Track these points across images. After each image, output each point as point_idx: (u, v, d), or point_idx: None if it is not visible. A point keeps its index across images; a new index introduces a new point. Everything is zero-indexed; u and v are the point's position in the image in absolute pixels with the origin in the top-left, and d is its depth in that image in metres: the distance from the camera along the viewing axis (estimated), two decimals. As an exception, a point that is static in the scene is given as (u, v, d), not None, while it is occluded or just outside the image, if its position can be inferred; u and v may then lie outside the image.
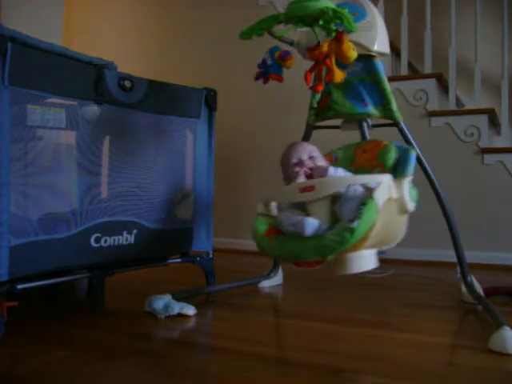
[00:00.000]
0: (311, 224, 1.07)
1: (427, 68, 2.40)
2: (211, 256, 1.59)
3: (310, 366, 0.93)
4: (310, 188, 1.10)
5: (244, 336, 1.13)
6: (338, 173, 1.21)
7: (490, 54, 2.49)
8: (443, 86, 2.45)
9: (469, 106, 2.53)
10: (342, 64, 1.12)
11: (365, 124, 1.50)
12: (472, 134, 2.26)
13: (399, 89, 2.37)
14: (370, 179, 1.10)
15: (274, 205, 1.20)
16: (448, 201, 1.46)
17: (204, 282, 1.59)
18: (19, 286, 1.10)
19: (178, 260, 1.53)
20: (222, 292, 1.56)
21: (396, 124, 1.44)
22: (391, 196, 1.09)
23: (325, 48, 1.11)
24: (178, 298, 1.32)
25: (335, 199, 1.09)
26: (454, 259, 1.45)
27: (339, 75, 1.11)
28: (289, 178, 1.26)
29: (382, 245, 1.17)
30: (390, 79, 1.63)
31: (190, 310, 1.27)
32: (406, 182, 1.15)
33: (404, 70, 2.45)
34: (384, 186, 1.07)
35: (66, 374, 0.89)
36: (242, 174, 2.73)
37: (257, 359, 0.97)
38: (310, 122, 1.56)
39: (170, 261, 1.51)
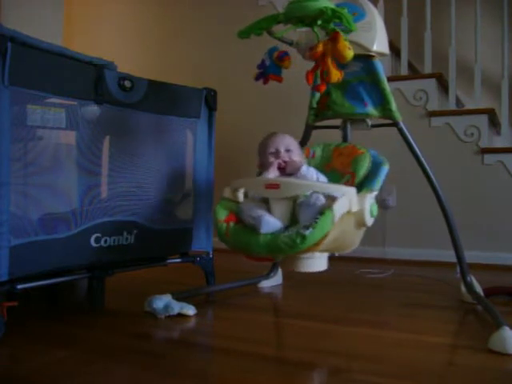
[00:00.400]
0: (268, 223, 1.10)
1: (427, 68, 2.40)
2: (211, 256, 1.59)
3: (310, 366, 0.93)
4: (275, 186, 1.12)
5: (244, 336, 1.13)
6: (309, 172, 1.23)
7: (490, 54, 2.49)
8: (443, 86, 2.45)
9: (469, 106, 2.53)
10: (341, 64, 1.12)
11: (348, 125, 1.50)
12: (472, 134, 2.25)
13: (399, 89, 2.37)
14: (334, 189, 1.12)
15: (241, 191, 1.22)
16: (448, 201, 1.46)
17: (204, 282, 1.59)
18: (19, 286, 1.10)
19: (178, 260, 1.53)
20: (222, 292, 1.56)
21: (395, 124, 1.44)
22: (350, 209, 1.10)
23: (320, 48, 1.12)
24: (178, 297, 1.32)
25: (296, 200, 1.11)
26: (454, 259, 1.45)
27: (335, 75, 1.11)
28: (262, 165, 1.30)
29: (335, 251, 1.21)
30: (390, 79, 1.64)
31: (190, 310, 1.27)
32: (370, 197, 1.17)
33: (404, 70, 2.45)
34: (345, 198, 1.09)
35: (65, 374, 0.89)
36: (242, 174, 2.73)
37: (257, 359, 0.97)
38: (309, 121, 1.56)
39: (169, 261, 1.51)
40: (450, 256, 1.56)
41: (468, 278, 1.43)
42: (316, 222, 1.02)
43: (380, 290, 1.66)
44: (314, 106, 1.53)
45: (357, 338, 1.12)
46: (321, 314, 1.32)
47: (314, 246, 1.04)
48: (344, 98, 1.45)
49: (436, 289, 1.67)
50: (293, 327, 1.23)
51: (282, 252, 1.05)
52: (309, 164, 1.37)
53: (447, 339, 1.11)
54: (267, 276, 1.68)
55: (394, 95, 1.45)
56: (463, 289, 1.45)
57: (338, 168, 1.33)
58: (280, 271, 1.73)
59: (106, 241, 1.27)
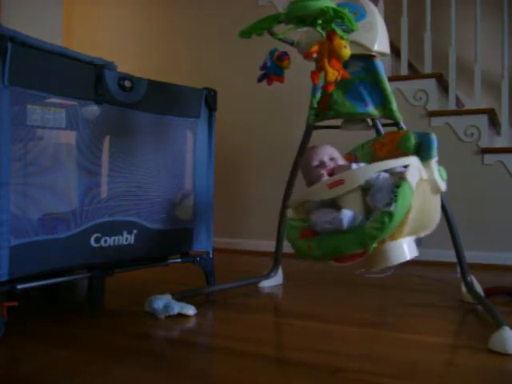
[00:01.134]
0: (348, 216, 1.05)
1: (427, 68, 2.40)
2: (211, 256, 1.59)
3: (310, 366, 0.93)
4: (340, 182, 1.08)
5: (244, 336, 1.13)
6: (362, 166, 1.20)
7: (490, 54, 2.49)
8: (443, 86, 2.45)
9: (469, 106, 2.53)
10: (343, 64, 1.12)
11: (378, 121, 1.49)
12: (472, 134, 2.26)
13: (399, 89, 2.37)
14: (396, 163, 1.10)
15: (302, 209, 1.19)
16: (448, 201, 1.46)
17: (204, 282, 1.59)
18: (19, 286, 1.10)
19: (178, 260, 1.53)
20: (222, 292, 1.56)
21: (396, 124, 1.44)
22: (422, 177, 1.08)
23: (314, 48, 1.12)
24: (178, 298, 1.32)
25: (365, 190, 1.08)
26: (454, 259, 1.45)
27: (333, 74, 1.10)
28: (311, 181, 1.25)
29: (420, 230, 1.15)
30: (390, 79, 1.63)
31: (190, 310, 1.27)
32: (434, 162, 1.15)
33: (404, 70, 2.45)
34: (414, 167, 1.07)
35: (65, 374, 0.89)
36: (242, 174, 2.74)
37: (257, 359, 0.97)
38: (310, 121, 1.56)
39: (170, 261, 1.51)
40: (450, 256, 1.56)
41: (468, 278, 1.43)
42: (396, 196, 0.99)
43: (380, 290, 1.66)
44: (315, 105, 1.53)
45: (357, 337, 1.12)
46: (321, 314, 1.32)
47: (401, 226, 1.00)
48: (345, 97, 1.45)
49: (436, 289, 1.67)
50: (293, 327, 1.23)
51: (373, 239, 1.00)
52: None
53: (447, 339, 1.11)
54: (267, 276, 1.68)
55: (394, 95, 1.45)
56: (463, 289, 1.45)
57: (385, 157, 1.27)
58: (280, 271, 1.73)
59: (105, 241, 1.27)
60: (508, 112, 2.29)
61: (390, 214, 0.98)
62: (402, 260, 1.09)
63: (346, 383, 0.85)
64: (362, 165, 1.22)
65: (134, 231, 1.34)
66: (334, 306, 1.43)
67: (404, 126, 1.44)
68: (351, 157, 1.37)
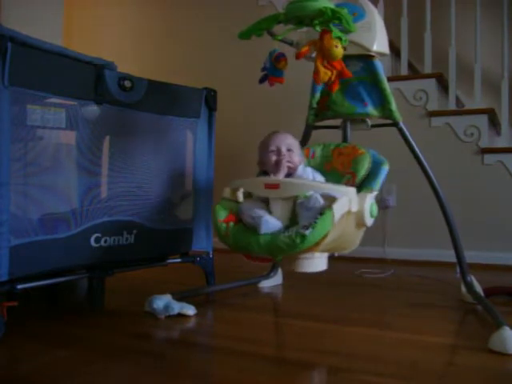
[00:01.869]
0: (268, 223, 1.10)
1: (427, 68, 2.40)
2: (211, 256, 1.59)
3: (310, 366, 0.93)
4: (275, 186, 1.12)
5: (244, 336, 1.13)
6: (305, 173, 1.25)
7: (490, 54, 2.49)
8: (443, 86, 2.45)
9: (469, 106, 2.52)
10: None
11: (348, 125, 1.50)
12: (472, 134, 2.25)
13: (399, 89, 2.37)
14: (334, 189, 1.12)
15: (241, 191, 1.22)
16: (448, 201, 1.46)
17: (204, 282, 1.59)
18: (19, 286, 1.10)
19: (178, 260, 1.53)
20: (222, 292, 1.56)
21: (395, 124, 1.44)
22: (350, 209, 1.10)
23: (305, 48, 1.12)
24: (178, 298, 1.32)
25: (296, 201, 1.11)
26: (454, 259, 1.45)
27: (325, 74, 1.10)
28: (262, 163, 1.30)
29: (335, 251, 1.21)
30: (390, 79, 1.64)
31: (190, 310, 1.27)
32: (370, 196, 1.17)
33: (404, 70, 2.44)
34: (345, 198, 1.09)
35: (66, 374, 0.89)
36: (242, 174, 2.73)
37: (257, 359, 0.97)
38: (309, 121, 1.56)
39: (169, 261, 1.51)
40: (450, 256, 1.56)
41: (468, 278, 1.43)
42: (316, 222, 1.02)
43: (380, 290, 1.66)
44: (314, 105, 1.53)
45: (357, 337, 1.12)
46: (321, 314, 1.32)
47: (314, 246, 1.04)
48: (344, 97, 1.45)
49: (436, 289, 1.67)
50: (293, 327, 1.23)
51: (281, 252, 1.05)
52: (309, 164, 1.37)
53: (447, 339, 1.11)
54: (267, 276, 1.68)
55: (394, 95, 1.45)
56: (463, 289, 1.45)
57: (338, 168, 1.33)
58: (280, 271, 1.73)
59: (105, 241, 1.27)
60: (508, 112, 2.29)
61: (303, 237, 1.01)
62: (310, 271, 1.14)
63: (345, 383, 0.85)
64: (309, 170, 1.27)
65: (134, 231, 1.34)
66: (334, 306, 1.43)
67: (403, 126, 1.44)
68: (309, 152, 1.39)
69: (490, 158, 2.22)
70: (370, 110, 1.43)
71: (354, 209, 1.12)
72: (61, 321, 1.24)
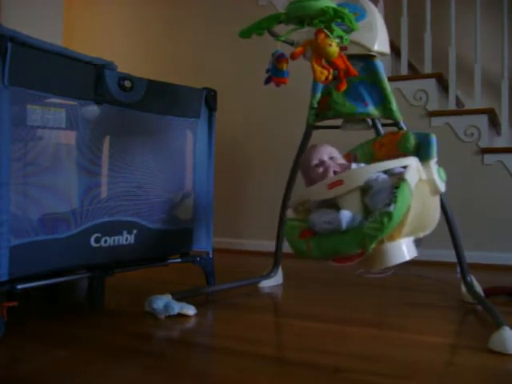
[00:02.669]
0: (347, 216, 1.06)
1: (427, 68, 2.40)
2: (211, 256, 1.59)
3: (310, 366, 0.93)
4: (339, 182, 1.08)
5: (244, 336, 1.13)
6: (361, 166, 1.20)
7: (490, 54, 2.49)
8: (443, 86, 2.45)
9: (469, 106, 2.52)
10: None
11: (377, 120, 1.49)
12: (472, 134, 2.25)
13: (399, 89, 2.37)
14: (396, 163, 1.09)
15: (301, 208, 1.19)
16: (448, 201, 1.46)
17: (204, 282, 1.59)
18: (19, 286, 1.09)
19: (178, 260, 1.53)
20: (222, 292, 1.56)
21: (396, 124, 1.44)
22: (421, 177, 1.08)
23: (299, 49, 1.12)
24: (178, 298, 1.32)
25: (365, 191, 1.07)
26: (454, 259, 1.45)
27: (322, 74, 1.10)
28: (310, 180, 1.24)
29: (419, 231, 1.15)
30: (390, 79, 1.63)
31: (190, 310, 1.27)
32: (433, 163, 1.15)
33: (404, 70, 2.44)
34: (413, 168, 1.07)
35: (66, 374, 0.89)
36: (242, 174, 2.73)
37: (257, 359, 0.97)
38: (310, 121, 1.56)
39: (170, 261, 1.51)
40: (450, 256, 1.56)
41: (468, 278, 1.43)
42: (395, 197, 0.99)
43: (380, 290, 1.66)
44: (315, 105, 1.53)
45: (357, 337, 1.12)
46: (321, 314, 1.32)
47: (400, 226, 1.00)
48: (345, 97, 1.45)
49: (436, 289, 1.67)
50: (293, 327, 1.23)
51: (372, 240, 0.99)
52: None
53: (447, 339, 1.11)
54: (267, 276, 1.68)
55: (394, 95, 1.45)
56: (463, 289, 1.45)
57: (384, 158, 1.27)
58: (280, 271, 1.73)
59: (105, 241, 1.27)
60: (508, 112, 2.29)
61: (389, 215, 0.97)
62: (401, 260, 1.09)
63: (345, 383, 0.85)
64: (362, 165, 1.22)
65: (134, 231, 1.34)
66: (333, 306, 1.43)
67: (404, 126, 1.44)
68: (351, 157, 1.37)
69: (489, 158, 2.22)
70: (371, 109, 1.43)
71: (424, 177, 1.10)
72: (61, 321, 1.24)
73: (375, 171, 1.08)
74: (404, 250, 1.09)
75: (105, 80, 1.26)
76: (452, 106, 2.36)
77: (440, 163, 1.20)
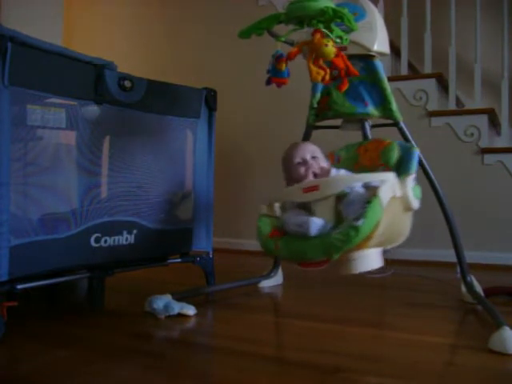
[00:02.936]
0: (316, 224, 1.06)
1: (427, 68, 2.40)
2: (211, 256, 1.59)
3: (310, 366, 0.93)
4: (315, 188, 1.10)
5: (244, 336, 1.13)
6: (340, 174, 1.22)
7: (490, 54, 2.49)
8: (443, 86, 2.45)
9: (469, 106, 2.53)
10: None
11: (366, 124, 1.50)
12: (472, 134, 2.25)
13: (399, 89, 2.37)
14: (373, 178, 1.10)
15: (277, 205, 1.20)
16: (448, 201, 1.46)
17: (204, 282, 1.59)
18: (19, 286, 1.10)
19: (178, 260, 1.53)
20: (222, 292, 1.56)
21: (396, 124, 1.44)
22: (395, 194, 1.08)
23: (294, 49, 1.12)
24: (178, 298, 1.32)
25: (339, 198, 1.08)
26: (454, 259, 1.45)
27: (318, 74, 1.10)
28: (291, 178, 1.25)
29: (387, 243, 1.16)
30: (390, 79, 1.63)
31: (190, 310, 1.27)
32: (410, 179, 1.14)
33: (404, 70, 2.44)
34: (388, 184, 1.07)
35: (66, 374, 0.89)
36: (242, 174, 2.73)
37: (257, 359, 0.97)
38: (309, 121, 1.56)
39: (169, 261, 1.51)
40: (450, 256, 1.56)
41: (468, 278, 1.43)
42: (366, 212, 1.00)
43: (380, 290, 1.66)
44: (315, 105, 1.53)
45: (357, 337, 1.12)
46: (321, 314, 1.32)
47: (368, 240, 1.01)
48: (345, 97, 1.45)
49: (436, 289, 1.67)
50: (293, 327, 1.23)
51: (338, 250, 1.01)
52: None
53: (447, 339, 1.11)
54: (267, 276, 1.68)
55: (394, 95, 1.45)
56: (463, 289, 1.45)
57: (366, 164, 1.29)
58: (280, 271, 1.73)
59: (105, 241, 1.27)
60: (508, 112, 2.29)
61: (357, 229, 0.99)
62: (366, 270, 1.10)
63: (345, 383, 0.85)
64: (342, 171, 1.24)
65: (134, 231, 1.34)
66: (333, 306, 1.43)
67: (404, 126, 1.44)
68: (334, 157, 1.37)
69: (489, 158, 2.22)
70: (371, 109, 1.43)
71: (399, 193, 1.10)
72: (61, 321, 1.24)
73: (352, 182, 1.09)
74: (370, 260, 1.10)
75: (105, 80, 1.26)
76: (452, 106, 2.36)
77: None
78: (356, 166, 1.33)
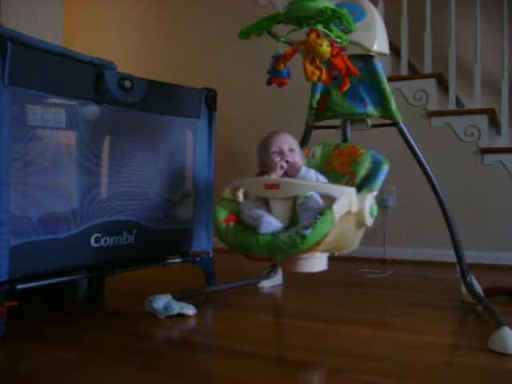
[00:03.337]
0: (268, 223, 1.10)
1: (427, 68, 2.40)
2: (211, 256, 1.59)
3: (310, 366, 0.93)
4: (276, 186, 1.12)
5: (244, 336, 1.13)
6: (309, 174, 1.24)
7: (490, 54, 2.49)
8: (443, 86, 2.45)
9: (469, 106, 2.52)
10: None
11: (348, 124, 1.50)
12: (472, 134, 2.25)
13: (399, 89, 2.37)
14: (334, 190, 1.11)
15: (241, 191, 1.22)
16: (448, 201, 1.46)
17: (204, 282, 1.59)
18: (19, 286, 1.10)
19: (178, 260, 1.53)
20: (222, 292, 1.56)
21: (395, 124, 1.44)
22: (351, 210, 1.10)
23: (290, 50, 1.12)
24: (178, 298, 1.32)
25: (297, 198, 1.10)
26: (454, 259, 1.45)
27: (313, 74, 1.10)
28: (264, 165, 1.29)
29: (334, 251, 1.20)
30: (390, 79, 1.64)
31: (190, 310, 1.27)
32: (370, 197, 1.16)
33: (404, 70, 2.44)
34: (345, 199, 1.09)
35: (66, 374, 0.89)
36: (243, 174, 2.73)
37: (257, 359, 0.97)
38: (309, 122, 1.56)
39: (169, 261, 1.51)
40: (450, 256, 1.56)
41: (468, 278, 1.43)
42: (316, 222, 1.02)
43: (380, 290, 1.66)
44: (314, 106, 1.53)
45: (357, 338, 1.12)
46: (321, 314, 1.32)
47: (314, 246, 1.03)
48: (344, 97, 1.45)
49: (436, 289, 1.67)
50: (293, 327, 1.23)
51: (281, 252, 1.05)
52: (308, 164, 1.37)
53: (447, 339, 1.11)
54: (267, 276, 1.68)
55: (394, 95, 1.45)
56: (463, 289, 1.45)
57: (337, 168, 1.33)
58: (280, 271, 1.73)
59: (105, 241, 1.27)
60: (508, 112, 2.29)
61: (303, 237, 1.01)
62: (310, 271, 1.14)
63: (345, 383, 0.85)
64: (312, 172, 1.25)
65: (134, 231, 1.34)
66: (333, 305, 1.43)
67: (403, 126, 1.44)
68: (310, 153, 1.39)
69: (490, 158, 2.22)
70: (370, 109, 1.43)
71: (354, 209, 1.12)
72: (61, 321, 1.24)
73: (313, 189, 1.10)
74: (315, 263, 1.13)
75: (105, 80, 1.26)
76: (452, 106, 2.36)
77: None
78: (327, 167, 1.36)
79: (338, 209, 1.06)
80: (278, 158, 1.25)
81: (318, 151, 1.40)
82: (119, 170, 1.34)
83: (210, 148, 1.59)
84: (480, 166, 2.24)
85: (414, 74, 2.58)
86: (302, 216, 1.08)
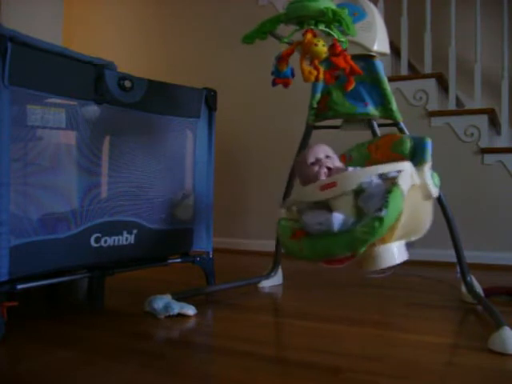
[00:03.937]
0: (339, 219, 1.05)
1: (427, 68, 2.40)
2: (211, 256, 1.59)
3: (310, 366, 0.93)
4: (332, 184, 1.08)
5: (244, 336, 1.13)
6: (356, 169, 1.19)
7: (490, 54, 2.49)
8: (443, 86, 2.45)
9: (469, 106, 2.53)
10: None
11: (374, 122, 1.49)
12: (472, 134, 2.26)
13: (399, 89, 2.37)
14: (390, 168, 1.09)
15: (294, 208, 1.18)
16: (448, 201, 1.46)
17: (204, 282, 1.59)
18: (19, 286, 1.09)
19: (178, 260, 1.53)
20: (222, 292, 1.56)
21: (396, 124, 1.44)
22: (414, 182, 1.08)
23: (287, 50, 1.12)
24: (178, 298, 1.32)
25: (358, 193, 1.07)
26: (454, 259, 1.45)
27: (310, 74, 1.10)
28: (306, 179, 1.23)
29: (411, 235, 1.15)
30: (390, 79, 1.63)
31: (190, 310, 1.27)
32: (427, 167, 1.13)
33: (404, 70, 2.44)
34: (406, 172, 1.06)
35: (66, 374, 0.89)
36: (243, 174, 2.73)
37: (257, 359, 0.97)
38: (309, 122, 1.56)
39: (170, 261, 1.51)
40: (450, 256, 1.56)
41: (468, 278, 1.43)
42: (387, 202, 0.98)
43: (380, 290, 1.66)
44: (315, 105, 1.53)
45: (357, 338, 1.12)
46: (321, 314, 1.32)
47: (392, 230, 1.00)
48: (344, 97, 1.45)
49: (436, 289, 1.67)
50: (293, 327, 1.23)
51: (363, 243, 0.99)
52: None
53: (447, 339, 1.11)
54: (267, 276, 1.68)
55: (394, 95, 1.45)
56: (463, 289, 1.45)
57: (379, 160, 1.25)
58: (280, 271, 1.73)
59: (105, 241, 1.27)
60: (508, 112, 2.29)
61: (381, 220, 0.98)
62: (391, 264, 1.09)
63: (345, 383, 0.85)
64: (358, 168, 1.21)
65: (134, 231, 1.34)
66: (333, 305, 1.43)
67: (404, 127, 1.44)
68: (346, 158, 1.37)
69: (489, 158, 2.22)
70: (371, 109, 1.43)
71: (417, 181, 1.09)
72: (61, 321, 1.24)
73: (369, 175, 1.08)
74: (395, 253, 1.09)
75: (105, 80, 1.26)
76: (452, 106, 2.36)
77: (440, 163, 1.20)
78: (368, 163, 1.30)
79: (404, 183, 1.02)
80: (317, 167, 1.21)
81: (354, 153, 1.35)
82: (119, 170, 1.34)
83: (210, 148, 1.59)
84: (480, 165, 2.24)
85: (414, 74, 2.58)
86: (369, 205, 1.03)
